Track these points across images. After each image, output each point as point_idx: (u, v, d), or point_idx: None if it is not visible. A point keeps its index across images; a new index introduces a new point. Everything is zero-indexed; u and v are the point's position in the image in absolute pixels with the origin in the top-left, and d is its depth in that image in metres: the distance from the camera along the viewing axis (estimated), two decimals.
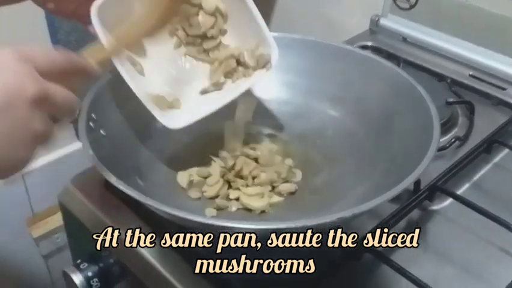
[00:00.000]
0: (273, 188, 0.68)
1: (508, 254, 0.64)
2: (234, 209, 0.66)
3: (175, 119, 0.66)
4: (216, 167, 0.70)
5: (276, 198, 0.66)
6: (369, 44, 1.03)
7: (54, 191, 0.74)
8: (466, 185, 0.73)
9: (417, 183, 0.67)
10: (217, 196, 0.66)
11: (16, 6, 1.00)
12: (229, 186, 0.69)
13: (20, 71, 0.40)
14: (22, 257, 1.22)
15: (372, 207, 0.50)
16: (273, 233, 0.50)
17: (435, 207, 0.70)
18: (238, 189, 0.68)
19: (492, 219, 0.64)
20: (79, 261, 0.68)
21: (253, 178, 0.68)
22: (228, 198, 0.67)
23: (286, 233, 0.50)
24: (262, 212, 0.65)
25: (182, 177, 0.69)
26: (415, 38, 1.02)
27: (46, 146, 0.45)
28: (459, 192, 0.71)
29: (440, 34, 0.99)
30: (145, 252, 0.62)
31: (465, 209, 0.66)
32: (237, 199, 0.66)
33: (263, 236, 0.52)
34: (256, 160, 0.71)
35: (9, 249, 1.18)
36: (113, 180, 0.53)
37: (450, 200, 0.70)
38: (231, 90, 0.70)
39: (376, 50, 1.01)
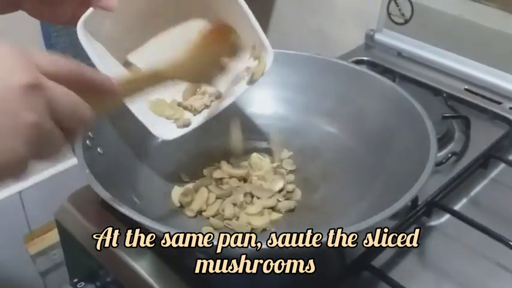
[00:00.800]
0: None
1: (506, 269, 0.64)
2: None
3: (166, 131, 0.66)
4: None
5: (275, 215, 0.66)
6: (365, 58, 1.03)
7: (51, 207, 0.74)
8: (463, 200, 0.73)
9: (414, 199, 0.67)
10: (216, 215, 0.66)
11: (13, 21, 1.00)
12: None
13: (13, 60, 0.38)
14: (19, 274, 1.21)
15: (370, 226, 0.50)
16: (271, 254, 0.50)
17: (433, 223, 0.70)
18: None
19: (490, 235, 0.64)
20: (75, 280, 0.68)
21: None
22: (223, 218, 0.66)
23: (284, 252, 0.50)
24: (264, 229, 0.65)
25: (176, 194, 0.69)
26: (410, 53, 1.02)
27: (50, 152, 0.41)
28: (456, 207, 0.71)
29: (435, 48, 0.99)
30: (142, 271, 0.61)
31: (463, 225, 0.66)
32: (237, 218, 0.66)
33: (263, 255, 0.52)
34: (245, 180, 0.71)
35: (6, 266, 1.17)
36: (108, 198, 0.53)
37: (447, 216, 0.70)
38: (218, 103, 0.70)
39: (371, 65, 1.01)
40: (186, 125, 0.68)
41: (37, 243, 1.23)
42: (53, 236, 1.22)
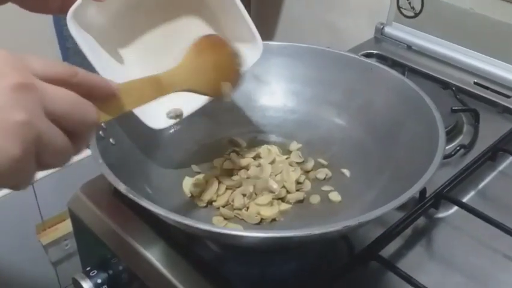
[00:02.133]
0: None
1: None
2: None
3: (157, 119, 0.66)
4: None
5: (284, 206, 0.67)
6: (374, 52, 1.03)
7: (64, 197, 0.75)
8: (472, 193, 0.74)
9: (422, 191, 0.68)
10: (226, 205, 0.67)
11: (25, 15, 1.02)
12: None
13: (4, 62, 0.37)
14: (31, 264, 1.22)
15: (378, 216, 0.50)
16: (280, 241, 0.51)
17: (440, 215, 0.70)
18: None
19: (497, 227, 0.64)
20: (88, 268, 0.69)
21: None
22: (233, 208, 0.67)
23: (293, 241, 0.51)
24: (273, 220, 0.66)
25: (187, 185, 0.70)
26: (420, 46, 1.02)
27: (55, 157, 0.39)
28: (464, 200, 0.72)
29: (445, 42, 1.00)
30: (153, 260, 0.63)
31: (470, 217, 0.67)
32: (247, 208, 0.67)
33: (272, 244, 0.52)
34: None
35: (19, 256, 1.19)
36: (122, 188, 0.54)
37: (455, 207, 0.70)
38: None
39: (381, 58, 1.01)
40: (178, 115, 0.67)
41: (49, 234, 1.24)
42: (66, 227, 1.23)
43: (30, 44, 1.06)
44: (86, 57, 0.61)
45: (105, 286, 0.68)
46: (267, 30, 1.40)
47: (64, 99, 0.39)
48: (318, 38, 1.26)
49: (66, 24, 1.04)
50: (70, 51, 1.10)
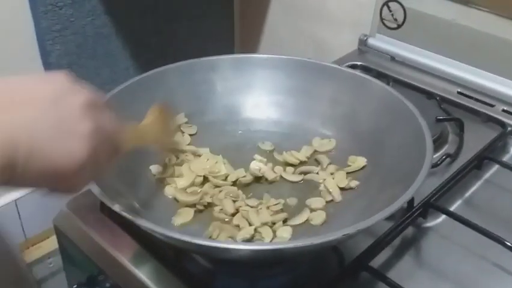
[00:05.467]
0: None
1: (501, 268, 0.64)
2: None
3: None
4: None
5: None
6: (358, 63, 1.04)
7: (47, 215, 0.74)
8: (459, 202, 0.74)
9: (410, 200, 0.68)
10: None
11: (8, 29, 1.01)
12: None
13: (71, 81, 0.43)
14: (15, 283, 1.21)
15: (377, 221, 0.51)
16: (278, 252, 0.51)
17: (428, 224, 0.70)
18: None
19: (485, 235, 0.64)
20: (75, 286, 0.68)
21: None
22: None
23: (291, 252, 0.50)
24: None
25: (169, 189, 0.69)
26: (403, 57, 1.03)
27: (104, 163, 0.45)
28: (452, 208, 0.72)
29: (428, 53, 1.00)
30: (142, 276, 0.62)
31: (458, 226, 0.67)
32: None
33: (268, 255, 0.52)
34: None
35: (2, 274, 1.17)
36: (116, 208, 0.53)
37: (443, 216, 0.70)
38: None
39: (365, 69, 1.02)
40: None
41: (33, 252, 1.23)
42: (49, 244, 1.21)
43: (13, 58, 1.05)
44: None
45: None
46: (250, 43, 1.40)
47: (112, 121, 0.46)
48: (301, 50, 1.26)
49: (49, 39, 1.05)
50: (53, 66, 1.09)
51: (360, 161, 0.71)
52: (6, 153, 0.37)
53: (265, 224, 0.63)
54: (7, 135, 0.37)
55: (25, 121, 0.38)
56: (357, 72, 0.79)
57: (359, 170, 0.71)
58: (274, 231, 0.63)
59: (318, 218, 0.65)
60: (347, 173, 0.71)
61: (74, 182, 0.42)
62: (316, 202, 0.67)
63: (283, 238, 0.62)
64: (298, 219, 0.65)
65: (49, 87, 0.41)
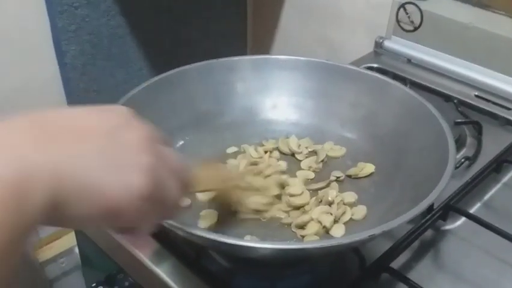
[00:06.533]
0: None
1: None
2: None
3: None
4: None
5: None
6: (374, 65, 1.04)
7: None
8: (477, 205, 0.74)
9: (430, 204, 0.68)
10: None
11: (24, 29, 1.02)
12: None
13: (133, 116, 0.41)
14: (29, 282, 1.21)
15: (403, 222, 0.51)
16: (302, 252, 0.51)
17: (448, 227, 0.70)
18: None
19: (506, 238, 0.64)
20: (93, 284, 0.68)
21: None
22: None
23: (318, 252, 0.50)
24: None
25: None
26: (420, 60, 1.03)
27: (168, 203, 0.42)
28: (471, 211, 0.72)
29: (445, 55, 1.00)
30: (162, 274, 0.62)
31: (477, 228, 0.67)
32: None
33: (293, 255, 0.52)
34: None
35: (17, 273, 1.17)
36: None
37: (462, 219, 0.70)
38: None
39: (381, 72, 1.01)
40: None
41: (45, 251, 1.23)
42: (62, 244, 1.22)
43: (29, 59, 1.05)
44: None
45: None
46: (263, 44, 1.40)
47: (176, 157, 0.43)
48: (314, 52, 1.26)
49: (64, 39, 1.06)
50: (68, 66, 1.09)
51: (368, 168, 0.71)
52: (54, 190, 0.33)
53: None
54: (53, 166, 0.33)
55: (71, 153, 0.34)
56: (378, 75, 0.78)
57: (367, 176, 0.71)
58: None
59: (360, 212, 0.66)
60: (358, 178, 0.71)
61: (135, 219, 0.39)
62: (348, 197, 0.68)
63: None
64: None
65: (105, 118, 0.38)
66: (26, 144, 0.32)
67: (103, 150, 0.36)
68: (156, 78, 0.74)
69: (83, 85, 1.13)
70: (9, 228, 0.30)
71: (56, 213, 0.33)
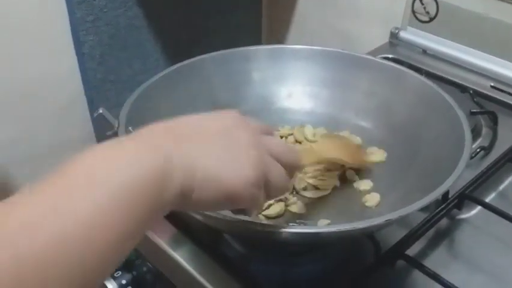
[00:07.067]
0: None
1: None
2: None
3: None
4: None
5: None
6: (390, 56, 1.04)
7: None
8: (492, 194, 0.74)
9: (445, 192, 0.68)
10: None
11: (42, 20, 1.03)
12: None
13: (243, 117, 0.48)
14: None
15: (419, 208, 0.51)
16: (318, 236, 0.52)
17: (463, 215, 0.70)
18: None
19: None
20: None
21: None
22: None
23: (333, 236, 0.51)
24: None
25: None
26: (435, 50, 1.03)
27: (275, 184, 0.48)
28: (486, 200, 0.72)
29: (460, 46, 1.00)
30: (180, 259, 0.63)
31: (492, 217, 0.67)
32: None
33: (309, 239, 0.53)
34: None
35: None
36: None
37: (477, 208, 0.70)
38: None
39: (397, 62, 1.00)
40: None
41: None
42: None
43: (47, 50, 1.07)
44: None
45: (129, 287, 0.68)
46: (278, 35, 1.41)
47: (278, 143, 0.50)
48: (329, 43, 1.26)
49: (83, 30, 1.07)
50: (86, 57, 1.10)
51: (378, 155, 0.72)
52: (186, 180, 0.40)
53: None
54: (188, 161, 0.41)
55: (201, 150, 0.42)
56: (393, 64, 0.79)
57: (381, 163, 0.73)
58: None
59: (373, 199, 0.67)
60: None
61: (249, 201, 0.45)
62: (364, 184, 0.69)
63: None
64: None
65: (221, 122, 0.46)
66: (168, 145, 0.40)
67: (223, 147, 0.44)
68: (174, 67, 0.75)
69: (100, 75, 1.14)
70: (147, 210, 0.37)
71: (182, 199, 0.40)
